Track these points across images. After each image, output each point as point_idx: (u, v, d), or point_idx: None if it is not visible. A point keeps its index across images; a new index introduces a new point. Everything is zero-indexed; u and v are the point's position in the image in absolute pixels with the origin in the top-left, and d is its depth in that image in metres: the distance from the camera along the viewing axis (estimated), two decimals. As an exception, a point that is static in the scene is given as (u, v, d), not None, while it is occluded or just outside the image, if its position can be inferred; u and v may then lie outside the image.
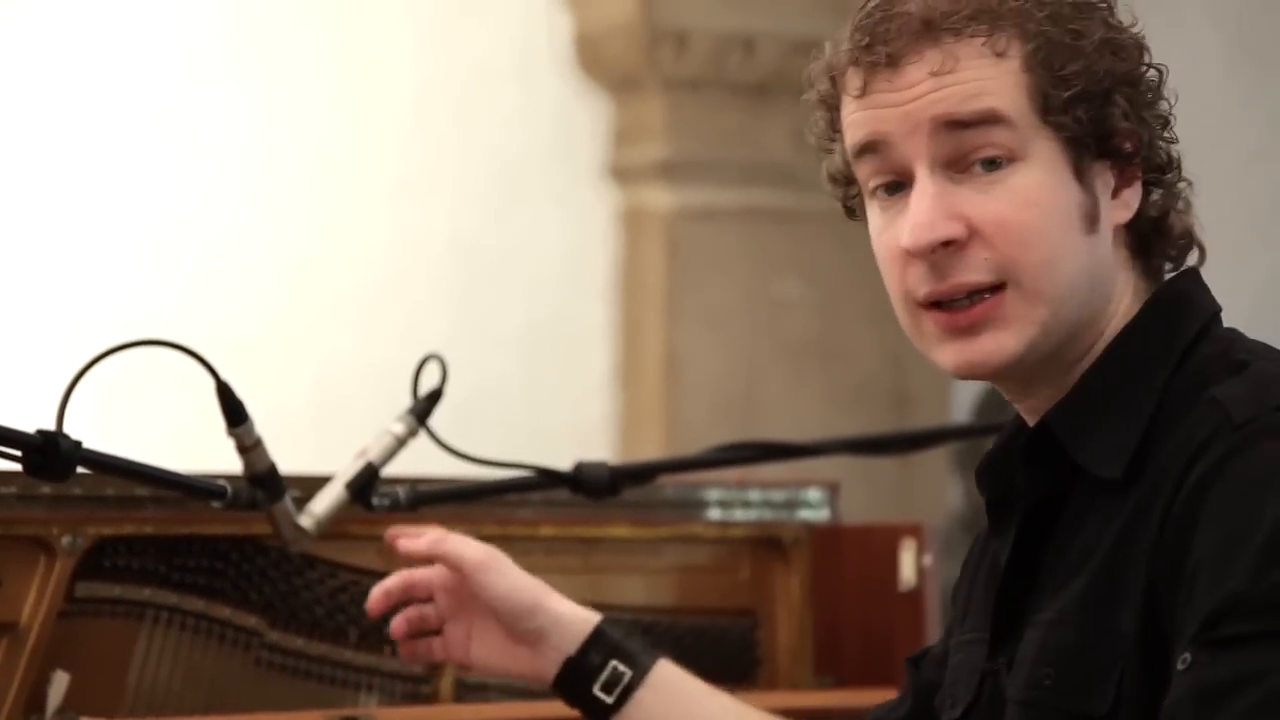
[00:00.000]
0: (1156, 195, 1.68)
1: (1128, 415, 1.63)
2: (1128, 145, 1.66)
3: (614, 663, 1.98)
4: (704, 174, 5.03)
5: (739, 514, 2.55)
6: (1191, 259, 1.73)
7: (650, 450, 4.65)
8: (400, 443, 2.26)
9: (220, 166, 4.84)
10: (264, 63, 4.87)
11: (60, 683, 2.08)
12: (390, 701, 2.28)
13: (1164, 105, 1.68)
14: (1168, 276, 1.71)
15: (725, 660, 2.51)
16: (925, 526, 2.54)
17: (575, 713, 2.32)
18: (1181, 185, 1.70)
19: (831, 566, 2.56)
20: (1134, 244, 1.69)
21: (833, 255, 4.75)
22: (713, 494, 2.54)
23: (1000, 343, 1.64)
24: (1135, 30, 1.68)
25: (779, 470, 2.60)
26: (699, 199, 5.03)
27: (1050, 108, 1.62)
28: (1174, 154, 1.69)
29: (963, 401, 4.82)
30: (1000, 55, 1.62)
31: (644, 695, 1.98)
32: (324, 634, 2.26)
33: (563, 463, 2.36)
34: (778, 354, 5.01)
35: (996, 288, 1.63)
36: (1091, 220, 1.64)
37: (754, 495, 2.56)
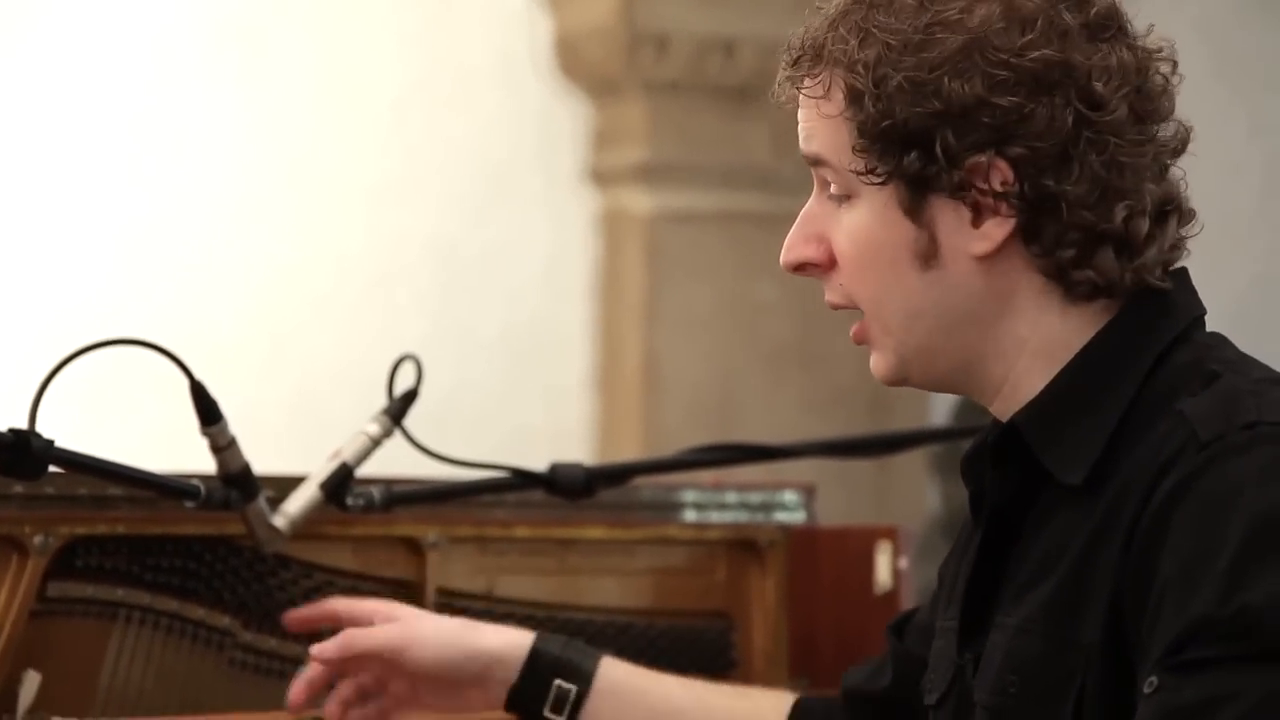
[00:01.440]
0: (1070, 215, 1.63)
1: (1095, 421, 1.63)
2: (982, 181, 1.62)
3: (557, 681, 2.02)
4: (684, 177, 5.03)
5: (715, 516, 2.55)
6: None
7: (628, 453, 4.65)
8: (375, 443, 2.26)
9: (199, 168, 4.83)
10: (244, 65, 4.86)
11: (31, 682, 2.07)
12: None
13: (1051, 140, 1.62)
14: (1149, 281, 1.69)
15: (700, 662, 2.51)
16: (901, 529, 2.54)
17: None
18: (1122, 214, 1.64)
19: (807, 569, 2.56)
20: (1048, 268, 1.65)
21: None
22: (689, 496, 2.53)
23: (878, 361, 1.70)
24: (1031, 56, 1.61)
25: (755, 472, 2.60)
26: (679, 202, 5.03)
27: (869, 153, 1.63)
28: (1050, 185, 1.62)
29: (941, 405, 4.83)
30: (823, 98, 1.65)
31: (595, 704, 2.02)
32: (298, 635, 2.25)
33: (540, 465, 2.36)
34: (756, 358, 5.01)
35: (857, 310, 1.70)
36: (927, 257, 1.64)
37: (730, 497, 2.56)
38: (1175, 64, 1.70)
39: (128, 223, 4.78)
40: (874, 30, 1.62)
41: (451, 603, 2.35)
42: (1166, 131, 1.68)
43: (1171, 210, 1.67)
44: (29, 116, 4.72)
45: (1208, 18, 5.64)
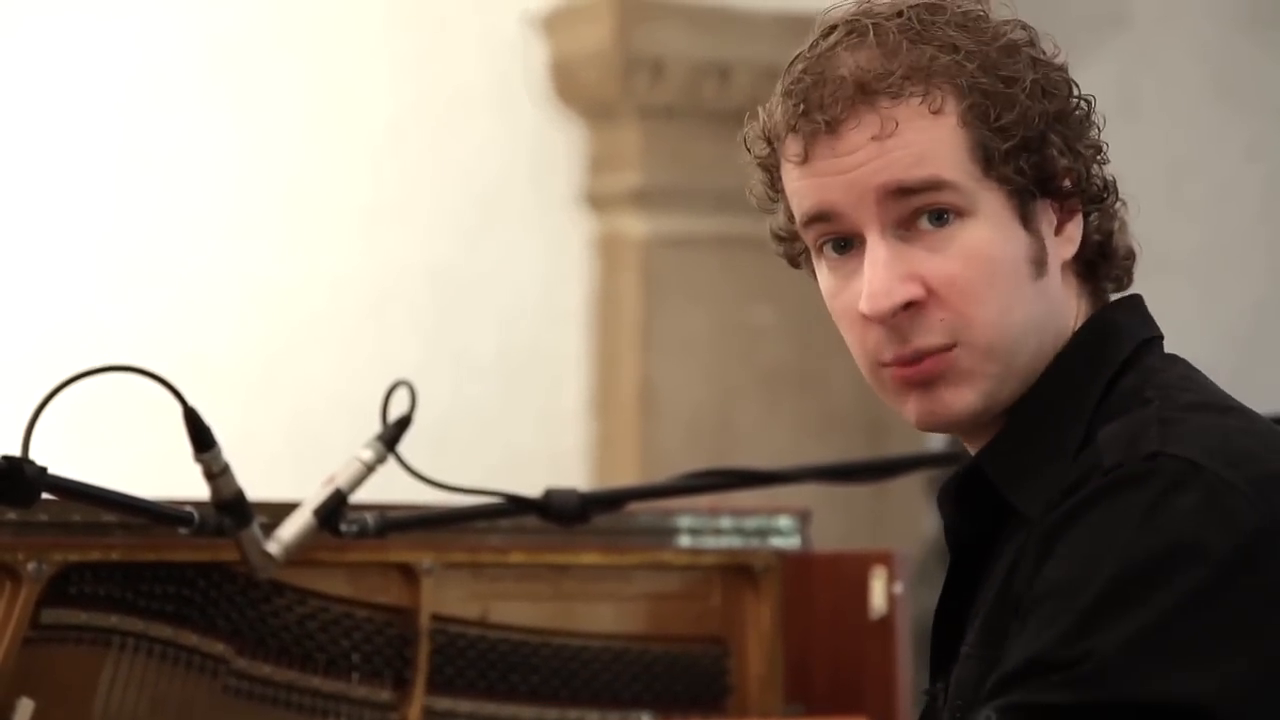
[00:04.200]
0: (1095, 220, 1.68)
1: (1051, 456, 1.61)
2: (1067, 182, 1.65)
3: None
4: (679, 202, 5.03)
5: (710, 541, 2.54)
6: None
7: (624, 478, 4.64)
8: (369, 469, 2.26)
9: (194, 191, 4.83)
10: (239, 88, 4.87)
11: (25, 710, 2.07)
12: (357, 729, 2.27)
13: (1094, 132, 1.67)
14: (1111, 299, 1.71)
15: (695, 688, 2.50)
16: (896, 554, 2.54)
17: (544, 741, 2.32)
18: (1118, 206, 1.70)
19: (802, 594, 2.56)
20: (1082, 271, 1.69)
21: (807, 283, 4.72)
22: (684, 521, 2.53)
23: (959, 396, 1.64)
24: (1059, 61, 1.67)
25: (751, 497, 2.59)
26: (674, 227, 5.03)
27: (991, 161, 1.62)
28: (1108, 178, 1.68)
29: (936, 430, 4.82)
30: (937, 114, 1.61)
31: None
32: (291, 661, 2.25)
33: (536, 490, 2.35)
34: (752, 382, 5.01)
35: (947, 347, 1.63)
36: (1040, 265, 1.64)
37: (725, 523, 2.56)
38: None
39: (121, 246, 4.78)
40: (960, 44, 1.62)
41: (445, 629, 2.35)
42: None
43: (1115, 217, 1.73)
44: (22, 138, 4.72)
45: (1206, 40, 5.65)
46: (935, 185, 1.61)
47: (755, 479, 2.50)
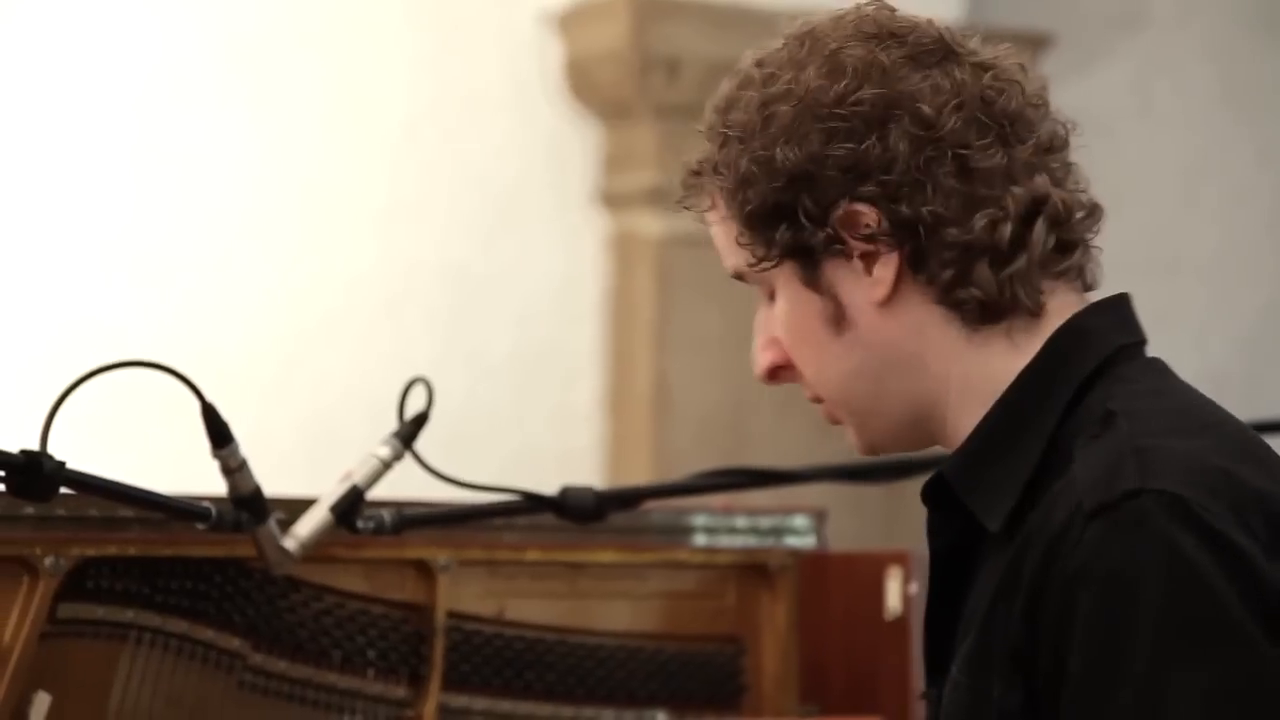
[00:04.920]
0: (948, 252, 1.64)
1: (1012, 468, 1.62)
2: (853, 230, 1.65)
3: None
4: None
5: (725, 540, 2.55)
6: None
7: (638, 477, 4.64)
8: (385, 466, 2.26)
9: (210, 190, 4.84)
10: (255, 87, 4.87)
11: (41, 704, 2.08)
12: (373, 725, 2.28)
13: (912, 159, 1.64)
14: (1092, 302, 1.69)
15: (710, 687, 2.50)
16: (911, 554, 2.54)
17: (559, 738, 2.32)
18: (982, 223, 1.64)
19: (817, 594, 2.56)
20: (940, 297, 1.65)
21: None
22: (699, 520, 2.53)
23: (851, 438, 1.75)
24: (854, 99, 1.65)
25: (766, 497, 2.59)
26: (689, 226, 4.98)
27: (752, 241, 1.67)
28: (934, 209, 1.64)
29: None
30: (710, 210, 1.73)
31: None
32: (307, 657, 2.25)
33: (550, 488, 2.36)
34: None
35: (817, 398, 1.74)
36: (838, 321, 1.67)
37: (740, 522, 2.56)
38: (1039, 79, 1.71)
39: (138, 244, 4.78)
40: (726, 130, 1.69)
41: (461, 626, 2.35)
42: (1034, 135, 1.67)
43: (1039, 212, 1.65)
44: (39, 135, 4.73)
45: (1217, 43, 5.64)
46: (738, 276, 1.73)
47: (770, 478, 2.50)
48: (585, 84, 5.08)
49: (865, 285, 1.66)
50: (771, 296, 1.71)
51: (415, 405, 2.27)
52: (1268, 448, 1.61)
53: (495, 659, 2.37)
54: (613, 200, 5.10)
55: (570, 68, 5.08)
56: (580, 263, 5.08)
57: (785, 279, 1.68)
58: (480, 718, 2.35)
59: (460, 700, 2.34)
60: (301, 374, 4.86)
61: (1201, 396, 1.65)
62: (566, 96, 5.09)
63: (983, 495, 1.63)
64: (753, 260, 1.69)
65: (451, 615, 2.34)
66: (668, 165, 5.02)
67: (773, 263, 1.67)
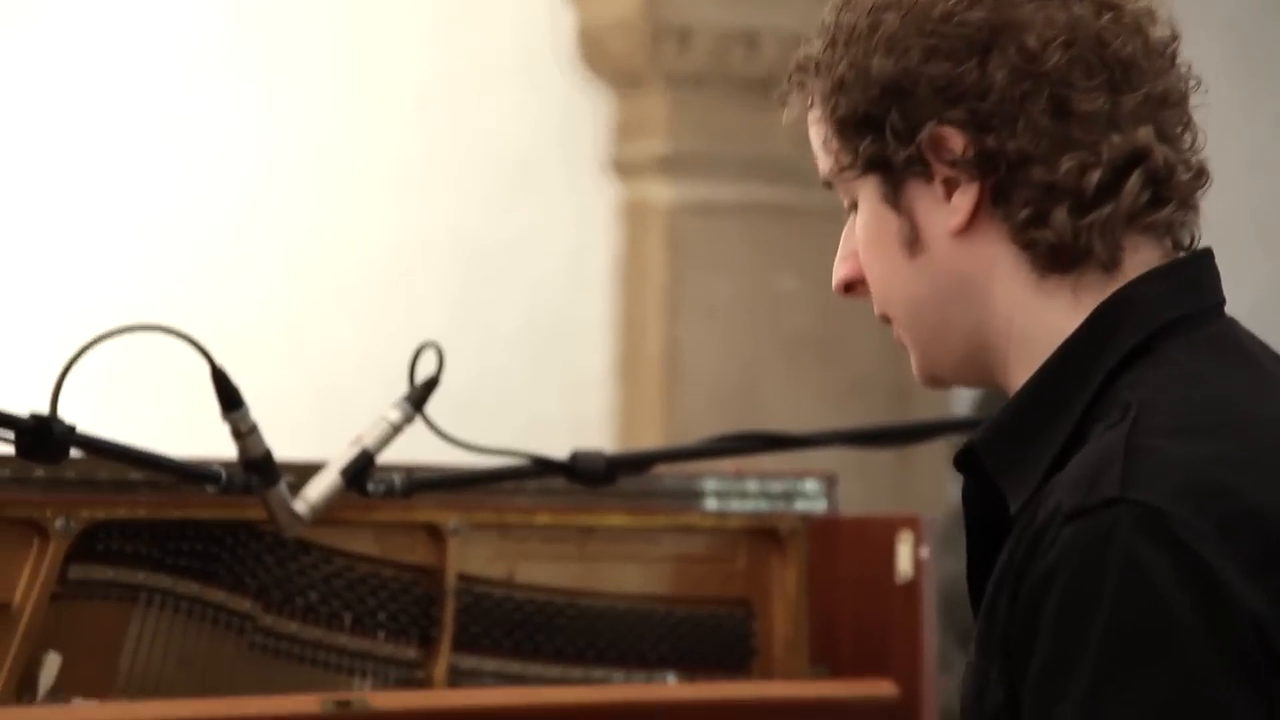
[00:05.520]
0: (1029, 190, 1.60)
1: (1039, 448, 1.57)
2: (939, 154, 1.61)
3: None
4: (706, 169, 5.03)
5: (736, 504, 2.55)
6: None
7: (648, 444, 4.62)
8: (396, 429, 2.26)
9: (223, 159, 4.84)
10: (267, 56, 4.87)
11: (52, 664, 2.08)
12: (384, 686, 2.28)
13: (1009, 90, 1.59)
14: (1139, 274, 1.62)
15: (720, 650, 2.51)
16: (923, 519, 2.54)
17: (568, 698, 2.32)
18: (1070, 165, 1.59)
19: (828, 558, 2.56)
20: (1015, 235, 1.61)
21: (833, 250, 4.71)
22: (709, 484, 2.53)
23: (913, 363, 1.69)
24: (961, 19, 1.60)
25: (776, 461, 2.59)
26: (700, 194, 5.03)
27: (840, 151, 1.64)
28: (1041, 143, 1.60)
29: (963, 396, 4.82)
30: (812, 109, 1.68)
31: None
32: (318, 619, 2.26)
33: (562, 455, 2.35)
34: (777, 348, 5.01)
35: (885, 317, 1.69)
36: (912, 243, 1.63)
37: (751, 486, 2.56)
38: (1169, 28, 1.66)
39: (150, 213, 4.79)
40: (834, 30, 1.65)
41: (472, 588, 2.36)
42: (1147, 84, 1.62)
43: (1136, 164, 1.60)
44: (53, 106, 4.73)
45: (1233, 16, 5.62)
46: (826, 183, 1.69)
47: (781, 443, 2.50)
48: (597, 53, 5.07)
49: (944, 212, 1.62)
50: (854, 208, 1.67)
51: (426, 370, 2.28)
52: None
53: (505, 621, 2.38)
54: (624, 168, 5.09)
55: (582, 36, 5.08)
56: (592, 231, 5.08)
57: (867, 192, 1.64)
58: (491, 679, 2.35)
59: (470, 662, 2.34)
60: (313, 343, 4.86)
61: (1248, 382, 1.58)
62: (578, 65, 5.09)
63: (1011, 474, 1.59)
64: (836, 168, 1.65)
65: (462, 578, 2.34)
66: (679, 134, 5.01)
67: (856, 173, 1.63)
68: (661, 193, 5.03)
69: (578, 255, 5.06)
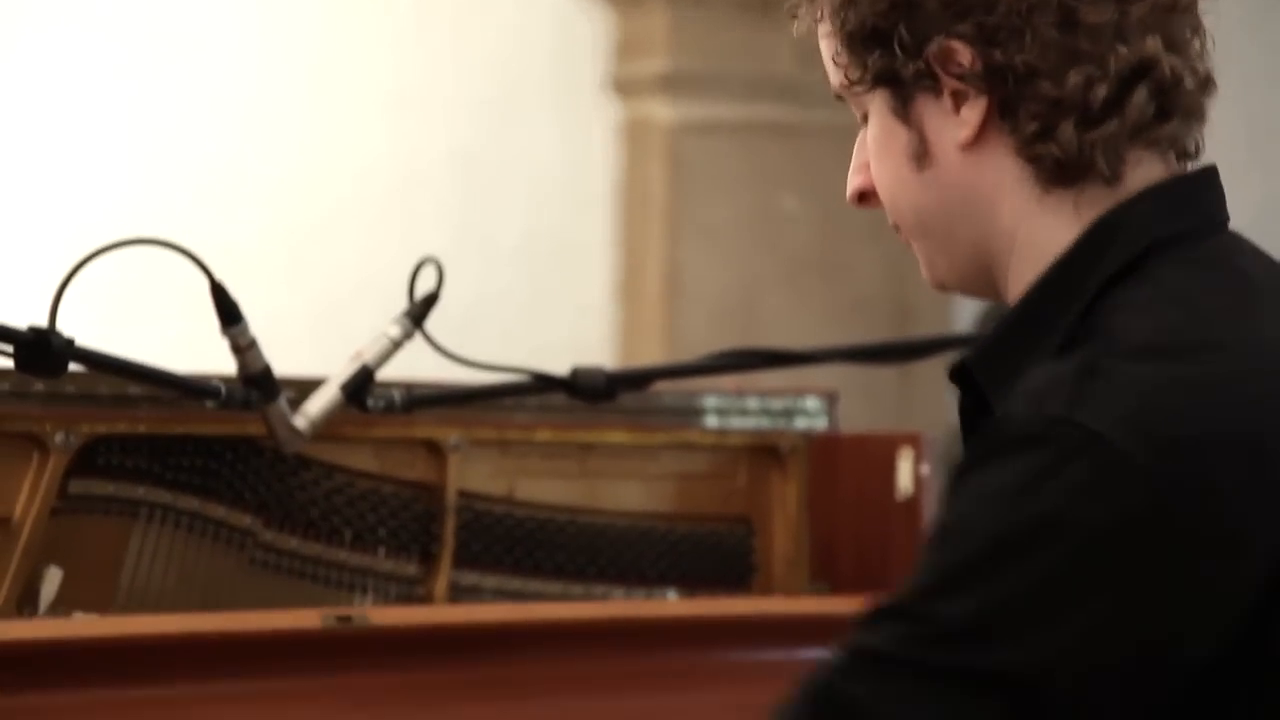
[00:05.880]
0: (1036, 105, 1.60)
1: (1029, 362, 1.56)
2: (947, 67, 1.61)
3: None
4: (706, 88, 5.00)
5: (736, 422, 2.54)
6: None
7: (650, 364, 4.64)
8: (395, 345, 2.25)
9: (220, 77, 4.81)
10: (264, -27, 4.84)
11: (53, 578, 2.08)
12: (385, 602, 2.28)
13: (1016, 4, 1.59)
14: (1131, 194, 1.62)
15: (721, 567, 2.51)
16: (923, 436, 2.54)
17: (568, 615, 2.33)
18: (1076, 80, 1.59)
19: (828, 475, 2.56)
20: (1021, 148, 1.61)
21: (834, 170, 4.66)
22: (710, 401, 2.53)
23: (923, 271, 1.70)
24: None
25: (777, 379, 2.59)
26: (701, 113, 5.01)
27: (849, 64, 1.65)
28: (1048, 56, 1.59)
29: (964, 315, 4.81)
30: (821, 23, 1.68)
31: None
32: (318, 534, 2.26)
33: (562, 372, 2.35)
34: (779, 268, 5.00)
35: (895, 225, 1.71)
36: (920, 156, 1.64)
37: (752, 403, 2.56)
38: None
39: (149, 128, 4.77)
40: None
41: (472, 505, 2.36)
42: None
43: (1142, 76, 1.59)
44: (52, 25, 4.70)
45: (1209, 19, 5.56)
46: (837, 96, 1.69)
47: (782, 359, 2.49)
48: (596, -30, 5.04)
49: (952, 125, 1.62)
50: (865, 120, 1.69)
51: (426, 286, 2.27)
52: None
53: (506, 538, 2.37)
54: (624, 87, 5.07)
55: (581, -47, 5.04)
56: (591, 150, 5.06)
57: (877, 105, 1.65)
58: (491, 596, 2.35)
59: (471, 578, 2.34)
60: (311, 263, 4.85)
61: (1234, 302, 1.56)
62: (577, -18, 5.06)
63: (1001, 389, 1.58)
64: (846, 82, 1.66)
65: (462, 494, 2.34)
66: (679, 52, 4.99)
67: (865, 87, 1.65)
68: (662, 112, 5.01)
69: (577, 175, 5.05)
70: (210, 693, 2.03)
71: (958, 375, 1.64)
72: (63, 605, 2.09)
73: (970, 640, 1.43)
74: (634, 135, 5.07)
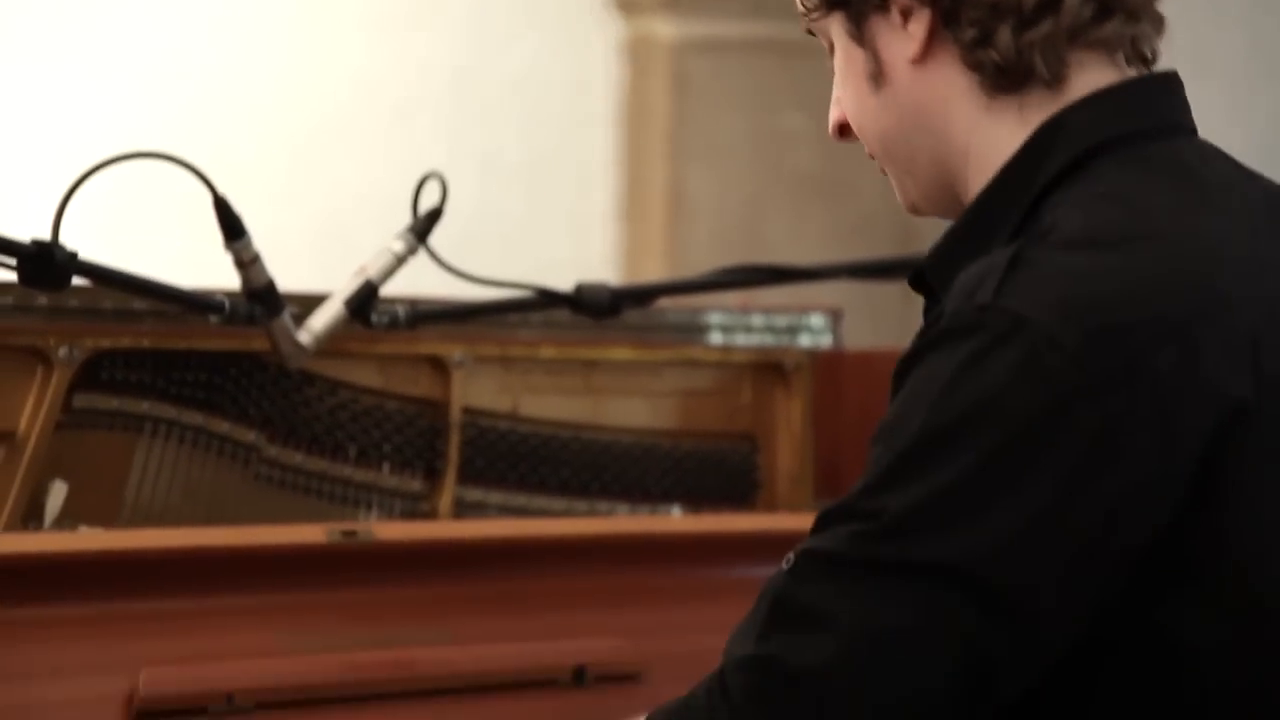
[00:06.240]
0: (975, 11, 1.62)
1: (967, 264, 1.58)
2: None
3: None
4: (709, 5, 4.97)
5: (741, 339, 2.54)
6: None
7: (652, 283, 4.63)
8: (399, 260, 2.25)
9: (220, -7, 4.79)
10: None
11: (59, 492, 2.08)
12: (389, 518, 2.28)
13: None
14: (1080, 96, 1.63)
15: (725, 483, 2.51)
16: (928, 353, 2.52)
17: (572, 530, 2.32)
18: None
19: (833, 392, 2.55)
20: (966, 58, 1.64)
21: (839, 88, 4.68)
22: (715, 318, 2.52)
23: (897, 196, 1.73)
24: None
25: (782, 296, 2.58)
26: (704, 31, 4.98)
27: None
28: None
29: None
30: None
31: None
32: (323, 450, 2.25)
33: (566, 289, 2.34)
34: (782, 187, 4.98)
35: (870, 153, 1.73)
36: (877, 77, 1.67)
37: (756, 320, 2.55)
38: None
39: (152, 43, 4.74)
40: None
41: (476, 421, 2.35)
42: None
43: None
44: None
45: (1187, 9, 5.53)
46: (809, 31, 1.73)
47: (787, 275, 2.48)
48: (600, -114, 5.00)
49: (901, 40, 1.65)
50: (832, 51, 1.72)
51: (429, 202, 2.25)
52: (1220, 265, 1.52)
53: (510, 454, 2.37)
54: (626, 4, 5.04)
55: None
56: (593, 67, 5.03)
57: (836, 31, 1.69)
58: (495, 512, 2.35)
59: (475, 494, 2.34)
60: (312, 178, 4.84)
61: (1177, 199, 1.57)
62: (581, -102, 5.02)
63: (946, 291, 1.59)
64: (804, 9, 1.71)
65: (466, 411, 2.34)
66: (683, -31, 4.95)
67: (821, 13, 1.69)
68: (665, 29, 4.98)
69: (579, 92, 5.02)
70: (215, 606, 2.03)
71: (916, 282, 1.68)
72: (68, 519, 2.09)
73: (916, 533, 1.46)
74: (636, 53, 5.04)
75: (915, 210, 1.73)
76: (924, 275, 1.66)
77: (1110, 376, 1.45)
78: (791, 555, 1.52)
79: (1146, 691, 1.48)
